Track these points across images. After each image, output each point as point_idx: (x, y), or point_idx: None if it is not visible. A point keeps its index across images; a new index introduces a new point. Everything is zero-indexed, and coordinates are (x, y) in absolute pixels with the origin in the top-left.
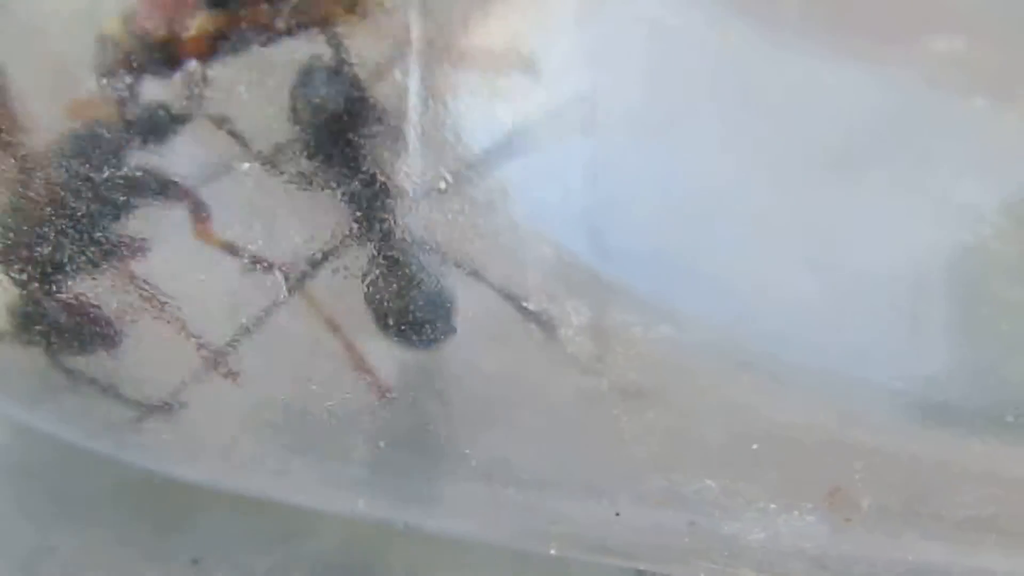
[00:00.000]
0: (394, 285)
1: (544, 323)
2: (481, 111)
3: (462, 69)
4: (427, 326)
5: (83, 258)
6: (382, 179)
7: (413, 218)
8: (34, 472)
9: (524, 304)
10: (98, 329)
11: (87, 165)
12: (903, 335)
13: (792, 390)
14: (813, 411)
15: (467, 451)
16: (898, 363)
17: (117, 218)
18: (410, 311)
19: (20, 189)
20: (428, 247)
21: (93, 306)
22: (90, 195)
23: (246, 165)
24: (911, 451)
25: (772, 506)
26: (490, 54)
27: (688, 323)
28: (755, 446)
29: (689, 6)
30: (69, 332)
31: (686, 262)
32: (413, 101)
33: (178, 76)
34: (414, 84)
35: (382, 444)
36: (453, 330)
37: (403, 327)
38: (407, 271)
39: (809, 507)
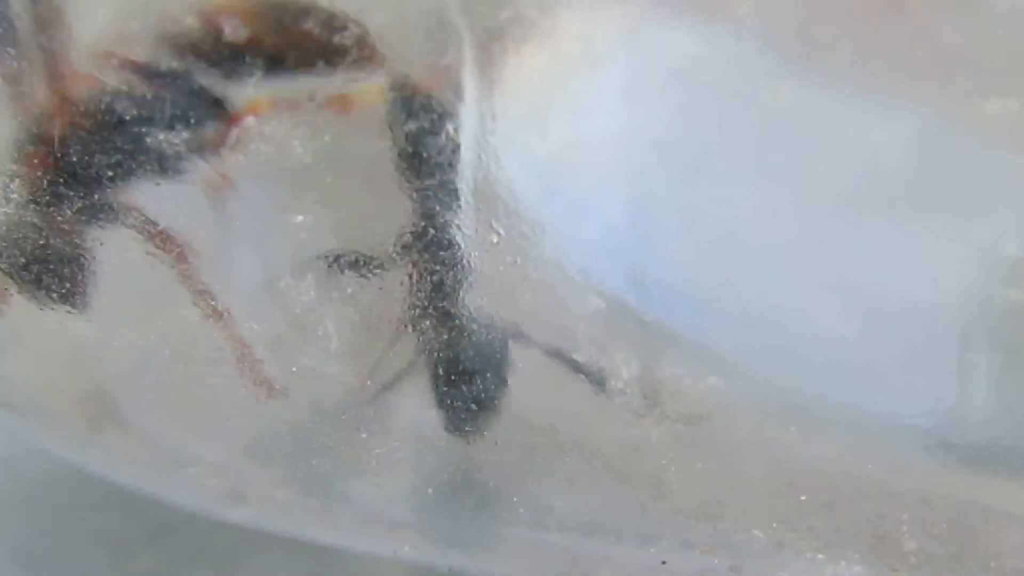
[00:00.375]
0: (444, 336)
1: (594, 375)
2: (530, 161)
3: (512, 120)
4: (477, 378)
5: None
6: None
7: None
8: (79, 511)
9: (574, 357)
10: (71, 279)
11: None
12: (949, 382)
13: (838, 438)
14: (859, 459)
15: (515, 498)
16: (943, 409)
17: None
18: (461, 362)
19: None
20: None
21: (84, 255)
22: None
23: (299, 218)
24: (957, 499)
25: (820, 556)
26: (537, 102)
27: (735, 374)
28: (803, 497)
29: (724, 48)
30: (41, 263)
31: (730, 302)
32: (466, 156)
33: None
34: (466, 139)
35: (430, 490)
36: (504, 383)
37: (454, 379)
38: (460, 323)
39: (856, 557)
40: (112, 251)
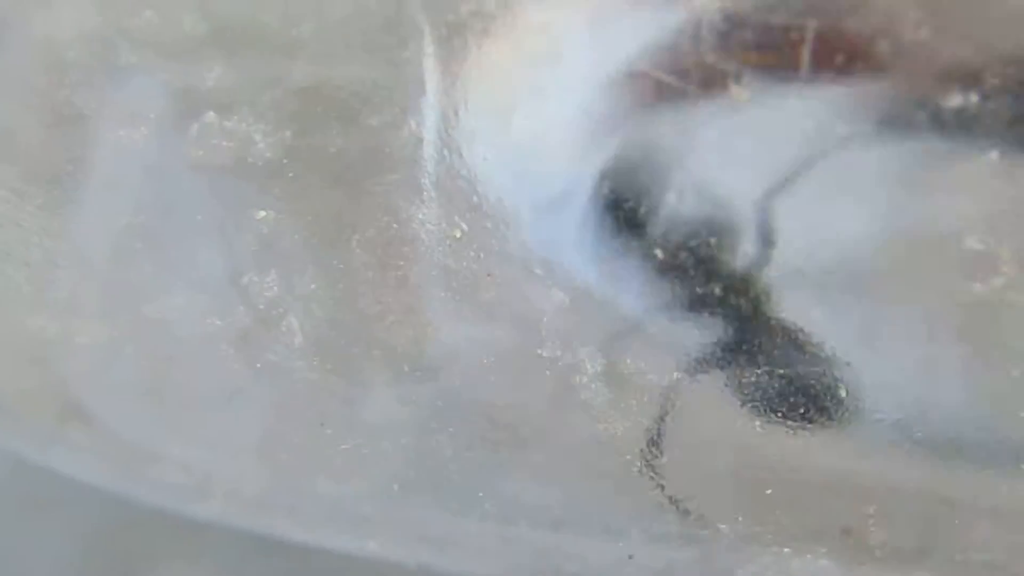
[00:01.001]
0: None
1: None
2: (496, 155)
3: (476, 115)
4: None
5: None
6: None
7: None
8: (44, 508)
9: (538, 351)
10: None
11: None
12: (915, 375)
13: (802, 433)
14: (825, 453)
15: (481, 494)
16: (908, 402)
17: None
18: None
19: None
20: None
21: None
22: None
23: (262, 213)
24: (924, 492)
25: (786, 550)
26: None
27: (700, 368)
28: (768, 491)
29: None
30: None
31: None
32: (428, 150)
33: None
34: (429, 133)
35: (396, 487)
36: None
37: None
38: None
39: (823, 551)
40: (76, 246)
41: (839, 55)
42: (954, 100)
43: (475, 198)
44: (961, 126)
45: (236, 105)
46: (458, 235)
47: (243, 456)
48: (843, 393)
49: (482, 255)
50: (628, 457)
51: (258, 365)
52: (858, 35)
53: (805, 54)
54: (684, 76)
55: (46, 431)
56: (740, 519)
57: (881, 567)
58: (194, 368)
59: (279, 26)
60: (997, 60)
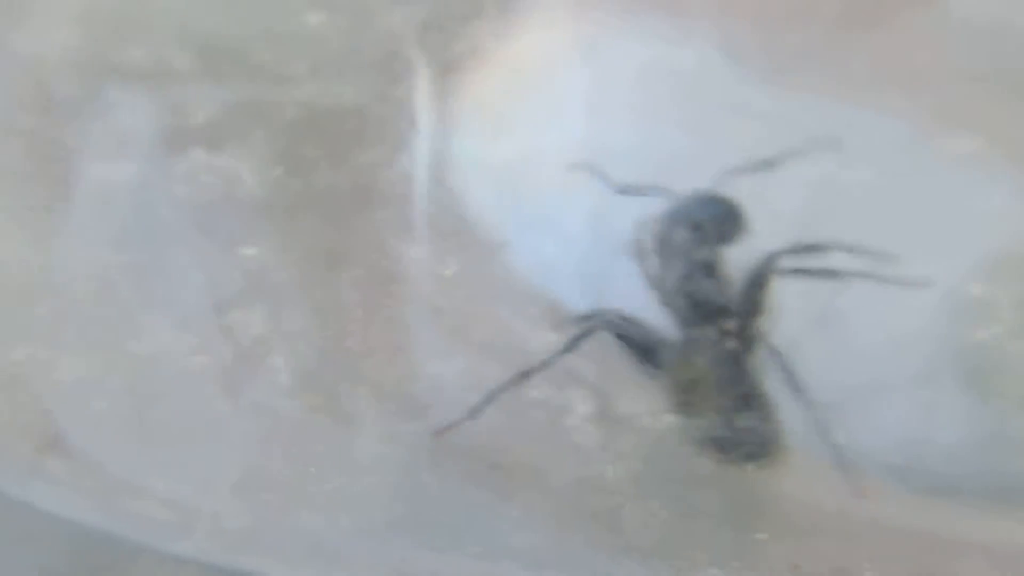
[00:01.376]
0: None
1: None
2: (487, 192)
3: (469, 153)
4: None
5: None
6: None
7: None
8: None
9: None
10: None
11: None
12: (916, 418)
13: (797, 473)
14: (818, 493)
15: (467, 534)
16: (908, 444)
17: None
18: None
19: None
20: None
21: None
22: None
23: (251, 250)
24: (917, 531)
25: None
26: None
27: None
28: (760, 535)
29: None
30: None
31: None
32: (419, 188)
33: None
34: (420, 171)
35: (384, 524)
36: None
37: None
38: None
39: None
40: (60, 279)
41: None
42: None
43: (466, 236)
44: None
45: (225, 141)
46: (448, 273)
47: (226, 492)
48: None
49: (473, 293)
50: (617, 499)
51: (242, 402)
52: None
53: None
54: None
55: (26, 464)
56: (734, 563)
57: None
58: (178, 404)
59: (271, 62)
60: None
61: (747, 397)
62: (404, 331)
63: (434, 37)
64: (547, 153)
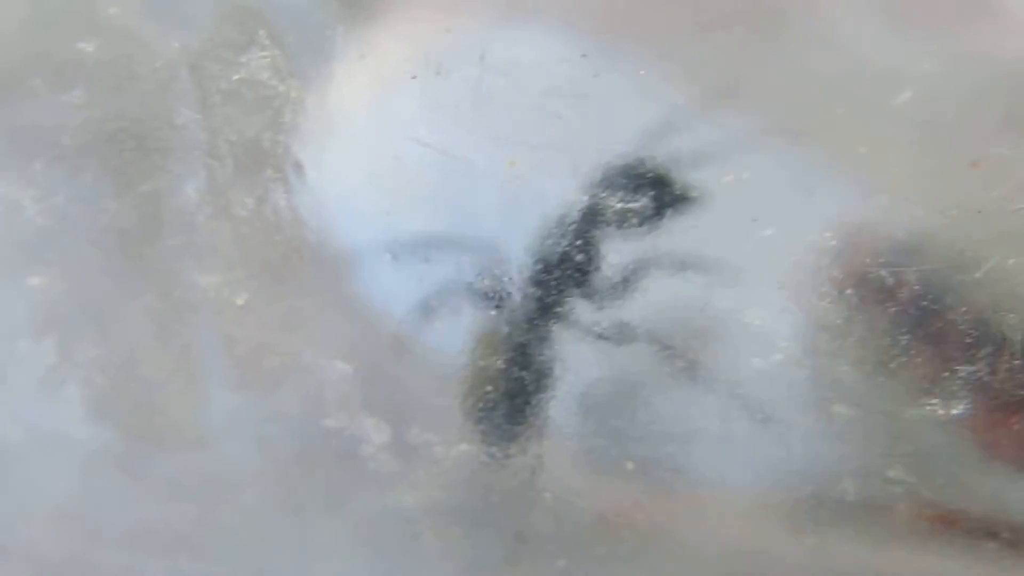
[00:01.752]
0: None
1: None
2: (282, 219)
3: (260, 179)
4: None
5: None
6: None
7: None
8: None
9: (324, 421)
10: None
11: None
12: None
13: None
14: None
15: (266, 566)
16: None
17: None
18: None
19: None
20: None
21: None
22: None
23: (35, 280)
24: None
25: None
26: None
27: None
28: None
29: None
30: None
31: None
32: (207, 216)
33: None
34: (207, 198)
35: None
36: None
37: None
38: None
39: None
40: None
41: None
42: None
43: (256, 265)
44: None
45: (2, 169)
46: (240, 302)
47: (25, 524)
48: None
49: (265, 323)
50: (416, 528)
51: (35, 432)
52: None
53: None
54: None
55: None
56: None
57: None
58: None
59: (47, 88)
60: None
61: None
62: (196, 361)
63: (211, 66)
64: (347, 185)
